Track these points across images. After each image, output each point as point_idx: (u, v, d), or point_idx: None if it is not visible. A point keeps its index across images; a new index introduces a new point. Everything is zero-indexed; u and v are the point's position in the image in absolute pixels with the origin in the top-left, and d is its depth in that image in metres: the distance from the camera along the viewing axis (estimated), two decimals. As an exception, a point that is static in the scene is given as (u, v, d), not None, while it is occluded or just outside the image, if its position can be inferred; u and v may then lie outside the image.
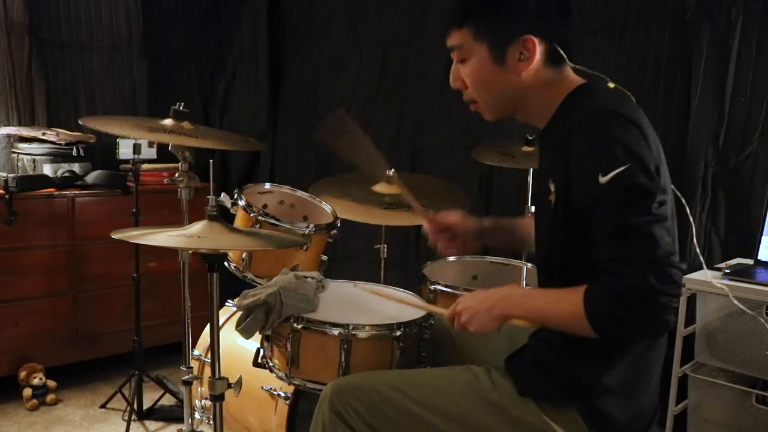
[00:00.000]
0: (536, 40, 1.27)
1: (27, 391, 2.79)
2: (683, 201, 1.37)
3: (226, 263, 2.02)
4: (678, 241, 1.29)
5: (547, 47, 1.29)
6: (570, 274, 1.23)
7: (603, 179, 1.12)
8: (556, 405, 1.28)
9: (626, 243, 1.10)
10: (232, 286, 2.15)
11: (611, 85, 1.31)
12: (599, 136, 1.16)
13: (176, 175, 1.99)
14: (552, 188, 1.25)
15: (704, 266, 1.62)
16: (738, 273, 1.95)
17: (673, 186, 1.30)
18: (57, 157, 3.03)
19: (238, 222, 2.04)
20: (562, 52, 1.29)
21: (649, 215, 1.10)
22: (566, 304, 1.19)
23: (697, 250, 1.57)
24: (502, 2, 1.28)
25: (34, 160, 2.99)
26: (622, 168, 1.11)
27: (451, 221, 1.68)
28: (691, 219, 1.42)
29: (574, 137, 1.19)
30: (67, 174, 2.99)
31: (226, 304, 2.26)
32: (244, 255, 2.01)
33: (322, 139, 1.99)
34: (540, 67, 1.29)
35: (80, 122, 1.94)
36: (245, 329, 1.64)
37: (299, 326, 1.61)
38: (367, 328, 1.59)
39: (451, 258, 2.35)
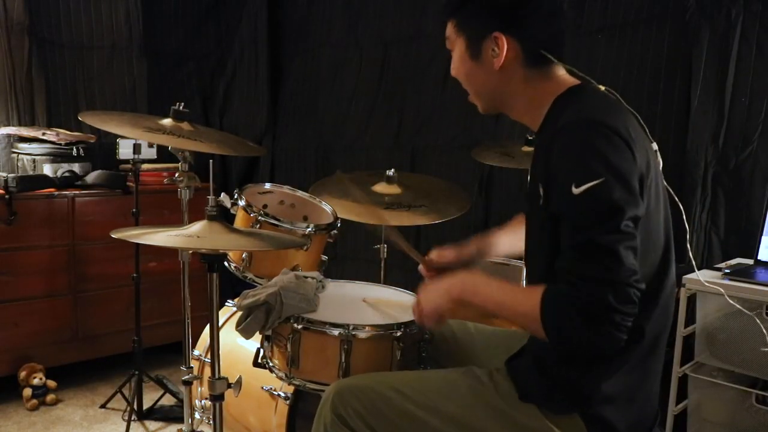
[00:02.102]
0: (506, 38, 1.28)
1: (27, 391, 2.79)
2: (679, 204, 1.38)
3: (226, 263, 2.02)
4: (675, 241, 1.29)
5: (520, 46, 1.29)
6: (551, 280, 1.24)
7: (576, 190, 1.12)
8: (558, 411, 1.28)
9: (590, 259, 1.11)
10: (232, 286, 2.15)
11: (602, 87, 1.31)
12: (579, 146, 1.16)
13: (176, 175, 1.99)
14: (541, 192, 1.25)
15: (695, 268, 1.63)
16: (738, 273, 1.95)
17: (670, 189, 1.30)
18: (57, 157, 3.03)
19: (238, 222, 2.04)
20: (545, 53, 1.30)
21: (617, 233, 1.10)
22: (523, 303, 1.20)
23: (690, 254, 1.57)
24: None
25: (34, 160, 2.99)
26: (596, 181, 1.11)
27: (446, 261, 1.68)
28: (686, 222, 1.42)
29: (556, 144, 1.19)
30: (67, 174, 2.99)
31: (226, 304, 2.26)
32: (244, 255, 2.00)
33: None
34: (516, 66, 1.31)
35: (79, 117, 1.94)
36: (245, 329, 1.64)
37: (299, 326, 1.61)
38: (367, 328, 1.59)
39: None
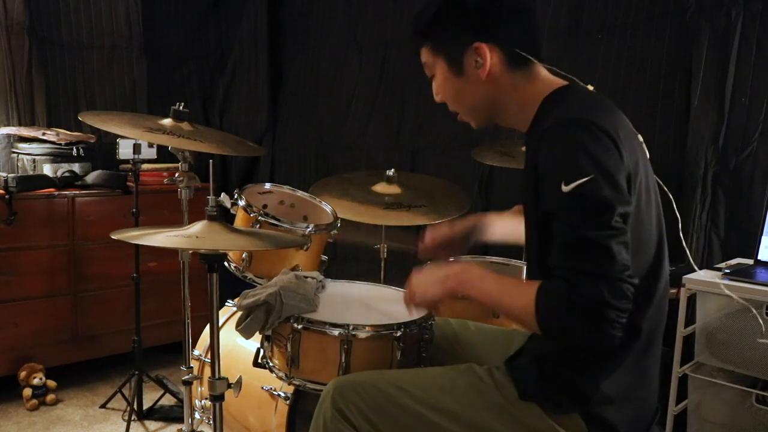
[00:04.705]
0: (486, 46, 1.28)
1: (27, 391, 2.78)
2: (669, 195, 1.38)
3: (226, 263, 2.02)
4: (668, 242, 1.29)
5: (502, 51, 1.29)
6: (545, 275, 1.24)
7: (566, 188, 1.12)
8: (558, 411, 1.28)
9: (583, 255, 1.11)
10: (232, 286, 2.15)
11: (591, 88, 1.31)
12: (567, 145, 1.16)
13: (176, 175, 1.99)
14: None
15: (695, 267, 1.63)
16: (738, 273, 1.95)
17: (665, 187, 1.31)
18: (57, 157, 3.03)
19: (238, 222, 2.04)
20: (525, 54, 1.30)
21: (609, 229, 1.10)
22: (519, 297, 1.21)
23: (689, 255, 1.57)
24: (443, 16, 1.31)
25: (34, 160, 2.99)
26: (585, 179, 1.11)
27: (441, 235, 1.70)
28: (679, 219, 1.42)
29: (544, 144, 1.19)
30: (67, 174, 2.99)
31: (226, 304, 2.26)
32: (244, 255, 2.00)
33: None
34: (502, 72, 1.30)
35: (79, 117, 1.94)
36: (245, 329, 1.64)
37: (299, 326, 1.61)
38: (367, 328, 1.58)
39: (451, 259, 2.35)
